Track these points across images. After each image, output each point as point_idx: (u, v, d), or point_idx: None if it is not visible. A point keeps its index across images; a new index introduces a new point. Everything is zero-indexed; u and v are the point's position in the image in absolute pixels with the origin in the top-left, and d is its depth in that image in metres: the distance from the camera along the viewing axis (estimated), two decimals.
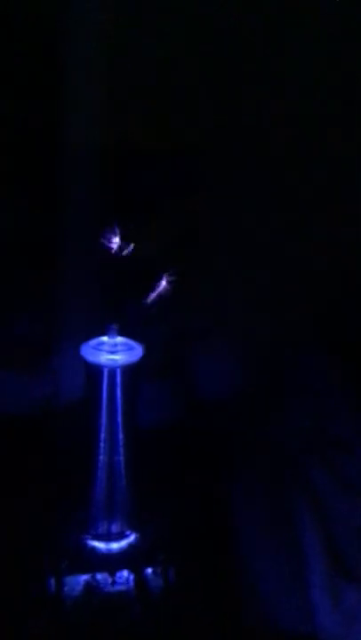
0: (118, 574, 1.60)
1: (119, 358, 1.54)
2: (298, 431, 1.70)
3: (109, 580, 1.59)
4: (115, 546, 1.62)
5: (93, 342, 1.56)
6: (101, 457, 1.57)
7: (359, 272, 2.14)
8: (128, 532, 1.58)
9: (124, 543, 1.61)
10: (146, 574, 1.62)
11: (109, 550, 1.58)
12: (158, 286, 1.44)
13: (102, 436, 1.56)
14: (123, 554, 1.60)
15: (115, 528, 1.62)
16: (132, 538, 1.59)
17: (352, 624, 1.35)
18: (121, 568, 1.59)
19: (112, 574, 1.59)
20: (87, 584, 1.57)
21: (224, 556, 1.49)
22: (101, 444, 1.57)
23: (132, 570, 1.60)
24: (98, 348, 1.54)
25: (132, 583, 1.61)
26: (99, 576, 1.59)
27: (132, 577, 1.61)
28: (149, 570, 1.60)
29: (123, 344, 1.56)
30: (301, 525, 1.56)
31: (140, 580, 1.61)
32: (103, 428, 1.57)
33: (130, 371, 1.64)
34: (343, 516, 1.55)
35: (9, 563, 1.68)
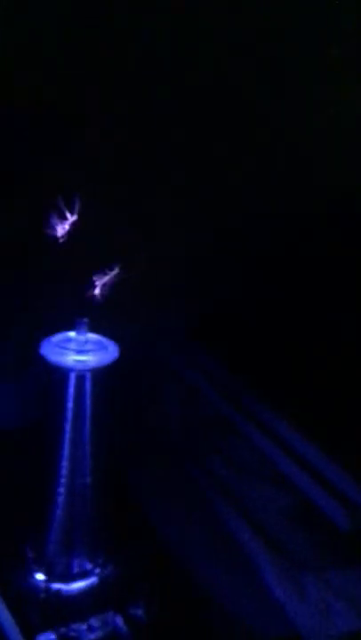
0: (92, 620, 1.35)
1: (91, 360, 1.25)
2: (179, 419, 1.54)
3: (84, 627, 1.35)
4: (77, 586, 1.34)
5: (57, 338, 1.25)
6: (63, 479, 1.27)
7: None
8: (90, 569, 1.30)
9: (88, 581, 1.34)
10: (129, 612, 1.38)
11: (71, 592, 1.31)
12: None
13: (65, 453, 1.27)
14: (89, 594, 1.35)
15: (77, 565, 1.34)
16: (94, 574, 1.31)
17: (328, 613, 1.21)
18: (94, 611, 1.34)
19: (85, 620, 1.35)
20: (63, 638, 1.33)
21: (177, 573, 1.28)
22: (64, 464, 1.28)
23: (116, 610, 1.35)
24: (63, 346, 1.25)
25: (110, 626, 1.37)
26: (72, 625, 1.33)
27: (109, 619, 1.37)
28: (131, 607, 1.37)
29: (94, 342, 1.27)
30: (232, 527, 1.38)
31: (129, 619, 1.37)
32: (67, 445, 1.27)
33: (102, 375, 1.36)
34: (261, 501, 1.41)
35: None
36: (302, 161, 2.12)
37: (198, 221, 2.00)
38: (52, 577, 1.29)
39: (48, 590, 1.27)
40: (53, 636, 1.24)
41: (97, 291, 1.24)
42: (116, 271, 1.25)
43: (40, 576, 1.30)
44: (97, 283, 1.26)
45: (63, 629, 1.28)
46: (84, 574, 1.27)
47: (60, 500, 1.26)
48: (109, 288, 1.25)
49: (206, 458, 1.57)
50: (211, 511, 1.48)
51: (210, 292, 1.88)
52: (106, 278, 1.26)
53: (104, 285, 1.25)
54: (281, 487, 1.51)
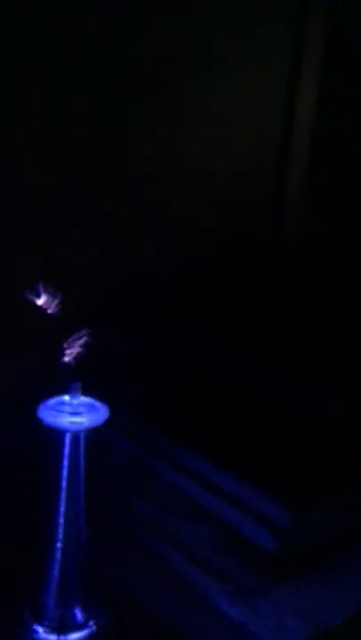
0: None
1: (85, 420, 1.33)
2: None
3: None
4: (78, 636, 1.41)
5: (52, 402, 1.35)
6: (60, 535, 1.34)
7: None
8: (87, 618, 1.36)
9: (87, 630, 1.40)
10: None
11: None
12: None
13: (62, 510, 1.34)
14: None
15: (75, 616, 1.40)
16: (92, 623, 1.37)
17: (283, 627, 1.31)
18: None
19: None
20: None
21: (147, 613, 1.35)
22: (61, 520, 1.34)
23: None
24: (59, 408, 1.33)
25: None
26: None
27: None
28: None
29: (85, 404, 1.36)
30: (173, 564, 1.48)
31: None
32: (63, 500, 1.34)
33: (92, 434, 1.45)
34: (190, 535, 1.52)
35: None
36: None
37: None
38: (54, 630, 1.39)
39: None
40: None
41: (67, 358, 1.37)
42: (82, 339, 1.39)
43: (42, 630, 1.39)
44: (67, 351, 1.40)
45: None
46: (82, 624, 1.36)
47: (58, 554, 1.37)
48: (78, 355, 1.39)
49: (129, 502, 1.68)
50: (148, 551, 1.61)
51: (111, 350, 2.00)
52: (75, 347, 1.40)
53: (74, 353, 1.38)
54: (203, 520, 1.64)
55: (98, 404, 1.43)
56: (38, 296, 1.38)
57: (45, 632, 1.37)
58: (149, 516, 1.65)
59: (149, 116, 1.99)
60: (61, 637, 1.34)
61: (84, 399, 1.42)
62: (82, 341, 1.39)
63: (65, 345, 1.40)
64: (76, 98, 1.83)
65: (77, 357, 1.37)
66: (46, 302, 1.38)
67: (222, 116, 2.16)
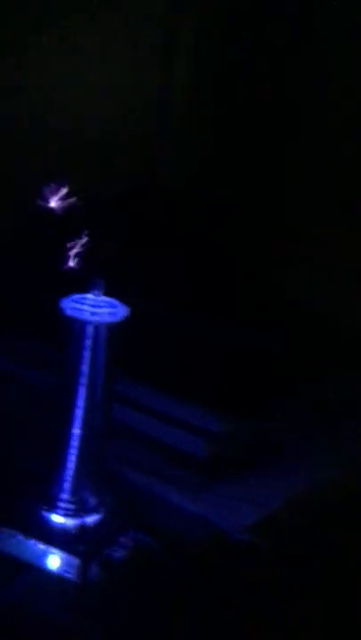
0: (119, 540, 1.47)
1: (105, 313, 1.38)
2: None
3: (117, 547, 1.45)
4: (94, 518, 1.46)
5: (75, 297, 1.39)
6: (79, 423, 1.39)
7: None
8: (98, 503, 1.42)
9: (101, 514, 1.46)
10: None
11: (92, 523, 1.43)
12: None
13: (82, 397, 1.40)
14: (106, 523, 1.47)
15: (89, 501, 1.45)
16: (103, 507, 1.44)
17: (238, 512, 1.54)
18: (117, 534, 1.46)
19: (114, 542, 1.45)
20: (106, 559, 1.41)
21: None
22: (80, 408, 1.40)
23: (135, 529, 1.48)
24: (80, 302, 1.38)
25: (133, 541, 1.49)
26: (106, 548, 1.43)
27: (130, 537, 1.48)
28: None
29: (106, 302, 1.41)
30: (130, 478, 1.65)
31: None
32: (83, 392, 1.39)
33: (114, 330, 1.50)
34: (135, 456, 1.71)
35: None
36: None
37: None
38: (74, 513, 1.47)
39: (81, 525, 1.44)
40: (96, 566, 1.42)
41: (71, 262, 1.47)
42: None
43: (61, 514, 1.47)
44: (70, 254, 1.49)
45: (102, 553, 1.46)
46: (95, 509, 1.46)
47: (76, 440, 1.46)
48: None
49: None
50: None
51: None
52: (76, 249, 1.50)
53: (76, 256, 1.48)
54: (142, 441, 1.81)
55: (118, 302, 1.53)
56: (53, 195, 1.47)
57: (66, 516, 1.45)
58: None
59: (30, 57, 2.05)
60: (82, 520, 1.43)
61: (105, 297, 1.52)
62: (82, 242, 1.49)
63: (69, 248, 1.49)
64: None
65: (80, 259, 1.46)
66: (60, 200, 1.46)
67: (101, 59, 2.20)
